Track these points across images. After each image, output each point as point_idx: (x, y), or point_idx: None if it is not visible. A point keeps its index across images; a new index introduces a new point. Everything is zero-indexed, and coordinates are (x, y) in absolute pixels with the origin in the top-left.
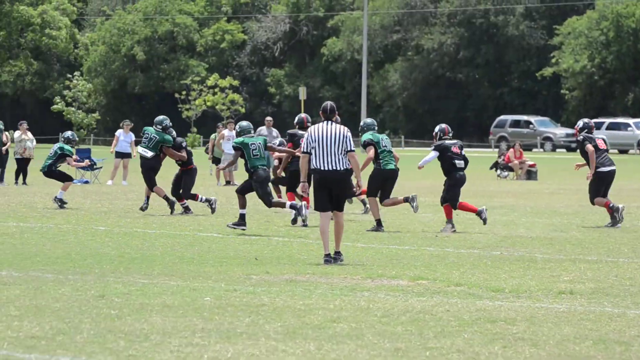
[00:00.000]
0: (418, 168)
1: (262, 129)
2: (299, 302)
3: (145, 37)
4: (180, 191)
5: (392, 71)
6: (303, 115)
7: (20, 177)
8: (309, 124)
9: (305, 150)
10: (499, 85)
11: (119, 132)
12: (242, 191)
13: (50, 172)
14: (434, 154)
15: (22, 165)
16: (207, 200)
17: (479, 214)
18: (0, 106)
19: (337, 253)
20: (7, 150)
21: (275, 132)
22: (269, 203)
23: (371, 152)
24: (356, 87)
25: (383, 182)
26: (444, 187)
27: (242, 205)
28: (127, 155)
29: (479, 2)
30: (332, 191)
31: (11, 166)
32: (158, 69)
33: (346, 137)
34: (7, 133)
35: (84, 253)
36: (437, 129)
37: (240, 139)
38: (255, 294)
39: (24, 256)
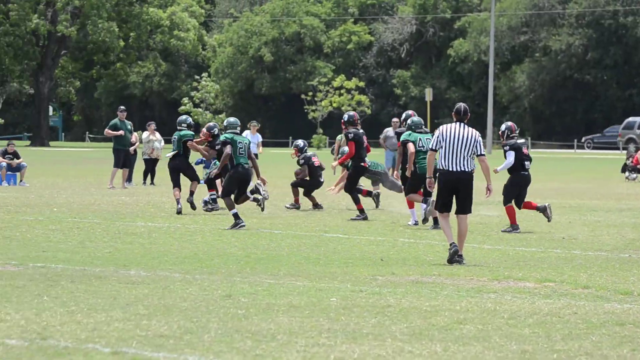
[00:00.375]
0: (495, 172)
1: (246, 133)
2: (425, 303)
3: (272, 38)
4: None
5: (519, 72)
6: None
7: (148, 177)
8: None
9: (433, 148)
10: (628, 87)
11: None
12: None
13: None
14: (512, 154)
15: (150, 165)
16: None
17: (542, 210)
18: (129, 107)
19: (459, 256)
20: (135, 151)
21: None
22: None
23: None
24: (482, 89)
25: (421, 184)
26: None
27: (231, 206)
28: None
29: (607, 3)
30: (459, 193)
31: (139, 166)
32: (285, 70)
33: (477, 141)
34: (135, 134)
35: (211, 253)
36: (503, 127)
37: (230, 135)
38: (381, 294)
39: (152, 256)
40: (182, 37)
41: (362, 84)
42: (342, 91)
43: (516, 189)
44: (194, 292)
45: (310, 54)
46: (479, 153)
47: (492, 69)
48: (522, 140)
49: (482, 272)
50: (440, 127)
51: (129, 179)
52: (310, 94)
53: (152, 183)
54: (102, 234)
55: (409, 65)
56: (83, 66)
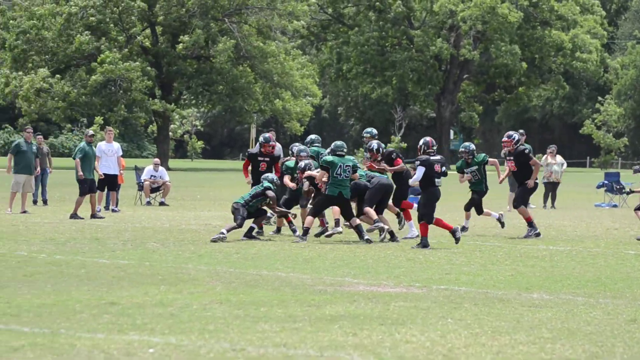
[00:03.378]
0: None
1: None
2: None
3: None
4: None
5: None
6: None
7: (549, 200)
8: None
9: None
10: None
11: None
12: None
13: None
14: (421, 170)
15: (549, 188)
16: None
17: (453, 232)
18: (529, 130)
19: None
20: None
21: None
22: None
23: None
24: None
25: None
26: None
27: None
28: None
29: None
30: None
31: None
32: None
33: None
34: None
35: (615, 277)
36: (421, 142)
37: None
38: None
39: (554, 279)
40: (584, 59)
41: None
42: None
43: (433, 205)
44: (598, 316)
45: None
46: None
47: None
48: (437, 157)
49: None
50: None
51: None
52: None
53: (552, 206)
54: (504, 257)
55: None
56: (484, 90)
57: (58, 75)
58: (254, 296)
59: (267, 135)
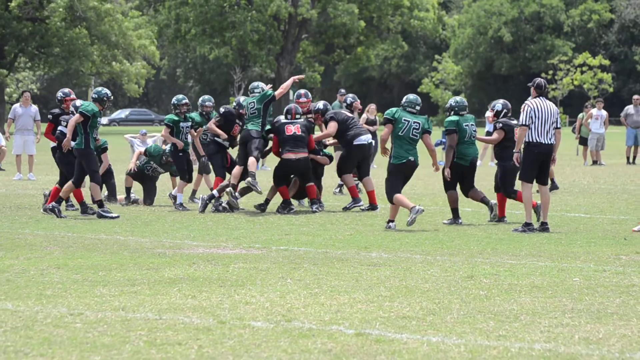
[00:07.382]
0: None
1: None
2: None
3: (512, 18)
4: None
5: None
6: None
7: None
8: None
9: (525, 123)
10: None
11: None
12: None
13: None
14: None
15: None
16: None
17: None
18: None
19: (544, 224)
20: None
21: None
22: None
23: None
24: None
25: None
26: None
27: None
28: None
29: None
30: (544, 164)
31: None
32: (524, 49)
33: (558, 114)
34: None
35: (452, 234)
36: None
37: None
38: (625, 274)
39: (392, 237)
40: (422, 18)
41: (607, 62)
42: (584, 68)
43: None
44: (435, 273)
45: (550, 33)
46: (557, 126)
47: None
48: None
49: None
50: (529, 102)
51: None
52: (550, 72)
53: None
54: (343, 216)
55: None
56: (324, 50)
57: None
58: (92, 260)
59: (300, 92)
